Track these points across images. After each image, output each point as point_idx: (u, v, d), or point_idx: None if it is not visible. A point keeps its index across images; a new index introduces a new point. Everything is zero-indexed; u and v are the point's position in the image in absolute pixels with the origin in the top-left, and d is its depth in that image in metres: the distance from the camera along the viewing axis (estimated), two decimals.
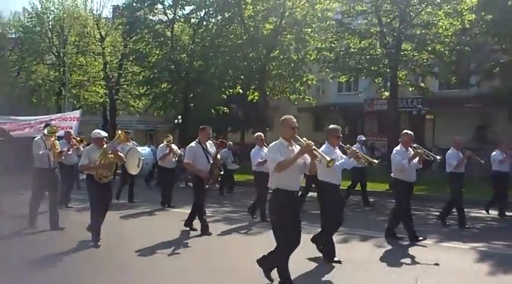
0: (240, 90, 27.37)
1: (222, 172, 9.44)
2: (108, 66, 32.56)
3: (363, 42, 22.61)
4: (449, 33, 21.18)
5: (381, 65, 22.57)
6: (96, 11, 33.82)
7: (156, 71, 28.06)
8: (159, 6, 27.86)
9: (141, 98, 32.04)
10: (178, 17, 28.08)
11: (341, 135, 7.30)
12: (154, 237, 8.47)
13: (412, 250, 7.97)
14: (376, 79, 23.35)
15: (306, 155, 5.55)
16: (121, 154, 8.12)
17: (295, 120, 5.79)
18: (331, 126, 7.49)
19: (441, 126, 28.47)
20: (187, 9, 27.81)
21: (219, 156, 9.43)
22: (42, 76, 33.69)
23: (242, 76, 26.34)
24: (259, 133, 11.31)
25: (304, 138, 5.59)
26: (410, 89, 24.34)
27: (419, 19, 21.86)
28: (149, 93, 29.71)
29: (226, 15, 25.92)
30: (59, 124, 13.88)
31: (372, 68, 22.44)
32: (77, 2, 32.99)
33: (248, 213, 11.08)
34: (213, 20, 26.94)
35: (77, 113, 15.55)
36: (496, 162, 11.76)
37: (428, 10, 20.84)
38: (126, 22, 29.52)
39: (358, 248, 8.27)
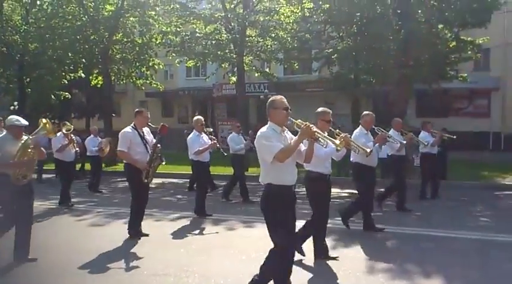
0: (82, 75, 25.72)
1: (164, 163, 8.02)
2: None
3: (208, 27, 22.48)
4: (291, 21, 21.89)
5: (227, 51, 22.65)
6: None
7: None
8: None
9: None
10: None
11: (331, 119, 6.43)
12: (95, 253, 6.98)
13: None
14: (223, 65, 23.37)
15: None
16: (43, 150, 6.61)
17: (285, 99, 4.84)
18: (320, 108, 6.52)
19: None
20: None
21: (159, 145, 7.97)
22: None
23: (84, 60, 24.66)
24: (199, 117, 9.97)
25: (299, 120, 4.76)
26: (256, 75, 24.83)
27: (262, 5, 22.24)
28: None
29: None
30: None
31: (219, 52, 22.43)
32: None
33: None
34: None
35: None
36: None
37: None
38: None
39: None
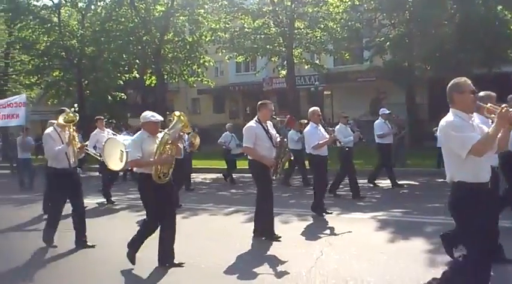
0: (137, 75, 26.47)
1: (292, 158, 7.26)
2: None
3: (256, 21, 22.53)
4: (340, 10, 21.57)
5: (276, 44, 22.64)
6: None
7: (45, 58, 26.64)
8: None
9: (33, 88, 30.08)
10: (64, 1, 26.46)
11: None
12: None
13: (317, 224, 7.86)
14: (272, 59, 23.38)
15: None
16: (180, 146, 6.15)
17: (469, 81, 4.04)
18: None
19: (338, 101, 29.19)
20: None
21: (286, 139, 7.19)
22: None
23: (137, 61, 25.37)
24: (315, 108, 8.95)
25: (489, 104, 4.03)
26: (306, 67, 24.67)
27: None
28: (41, 82, 28.15)
29: None
30: (7, 113, 12.38)
31: (268, 46, 22.46)
32: None
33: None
34: (101, 3, 25.65)
35: (23, 98, 13.35)
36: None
37: None
38: (8, 8, 27.31)
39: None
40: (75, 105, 23.03)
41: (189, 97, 36.43)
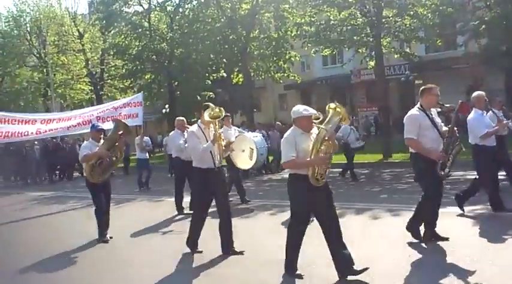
0: (224, 74, 26.96)
1: (463, 149, 6.32)
2: (90, 62, 32.43)
3: (342, 13, 22.05)
4: None
5: (363, 35, 22.04)
6: (71, 8, 33.62)
7: (138, 62, 27.67)
8: None
9: (127, 91, 31.67)
10: (153, 6, 27.75)
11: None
12: None
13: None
14: (360, 50, 22.81)
15: None
16: (336, 142, 5.47)
17: None
18: None
19: None
20: None
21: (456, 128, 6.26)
22: (27, 78, 33.63)
23: (224, 60, 25.82)
24: (481, 92, 7.97)
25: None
26: (396, 56, 23.84)
27: None
28: (134, 86, 29.38)
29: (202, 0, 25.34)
30: (126, 113, 12.61)
31: (354, 37, 21.93)
32: (51, 2, 32.64)
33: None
34: (189, 5, 26.38)
35: (139, 97, 13.69)
36: None
37: None
38: (102, 17, 28.98)
39: (353, 221, 7.88)
40: (166, 106, 23.85)
41: (276, 94, 36.65)
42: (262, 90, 36.58)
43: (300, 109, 5.23)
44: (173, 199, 10.27)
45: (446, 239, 6.24)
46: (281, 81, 26.91)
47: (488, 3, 20.28)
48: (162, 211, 10.54)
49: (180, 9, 26.84)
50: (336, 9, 21.91)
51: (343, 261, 5.12)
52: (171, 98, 27.94)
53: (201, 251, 6.67)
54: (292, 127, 5.28)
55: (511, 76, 22.49)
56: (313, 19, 22.36)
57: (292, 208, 5.38)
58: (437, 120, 6.23)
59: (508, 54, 20.12)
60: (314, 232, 5.47)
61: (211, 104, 6.55)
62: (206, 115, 6.41)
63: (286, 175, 5.51)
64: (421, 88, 6.33)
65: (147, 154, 15.60)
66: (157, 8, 27.58)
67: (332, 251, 5.21)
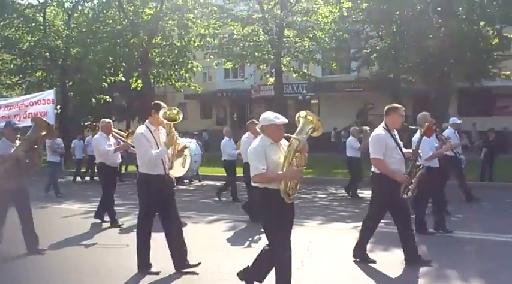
0: (122, 78, 26.17)
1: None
2: None
3: (246, 28, 22.59)
4: (329, 21, 21.75)
5: (264, 52, 22.69)
6: None
7: (28, 58, 26.19)
8: None
9: (14, 88, 29.66)
10: (50, 1, 26.19)
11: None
12: None
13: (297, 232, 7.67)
14: (261, 66, 23.40)
15: None
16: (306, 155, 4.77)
17: None
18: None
19: (325, 110, 29.32)
20: None
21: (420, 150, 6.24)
22: None
23: (124, 64, 25.13)
24: (426, 113, 7.78)
25: None
26: (294, 75, 24.76)
27: (299, 6, 22.15)
28: (22, 82, 27.65)
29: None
30: (34, 110, 11.53)
31: (256, 54, 22.49)
32: None
33: None
34: (89, 4, 25.47)
35: (51, 93, 11.56)
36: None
37: None
38: None
39: (244, 235, 7.87)
40: (58, 106, 22.27)
41: (176, 102, 36.24)
42: (162, 97, 35.77)
43: (271, 116, 4.65)
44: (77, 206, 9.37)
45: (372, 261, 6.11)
46: (182, 90, 26.72)
47: (380, 33, 21.70)
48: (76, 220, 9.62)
49: (79, 7, 25.84)
50: (240, 24, 22.39)
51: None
52: (64, 99, 26.56)
53: (158, 273, 5.69)
54: (260, 137, 4.73)
55: (397, 103, 24.23)
56: (217, 31, 22.65)
57: (266, 230, 4.76)
58: (399, 141, 6.06)
59: (395, 82, 21.67)
60: None
61: (162, 103, 5.77)
62: (161, 115, 5.56)
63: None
64: (386, 107, 6.15)
65: (59, 158, 14.57)
66: (54, 3, 26.19)
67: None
